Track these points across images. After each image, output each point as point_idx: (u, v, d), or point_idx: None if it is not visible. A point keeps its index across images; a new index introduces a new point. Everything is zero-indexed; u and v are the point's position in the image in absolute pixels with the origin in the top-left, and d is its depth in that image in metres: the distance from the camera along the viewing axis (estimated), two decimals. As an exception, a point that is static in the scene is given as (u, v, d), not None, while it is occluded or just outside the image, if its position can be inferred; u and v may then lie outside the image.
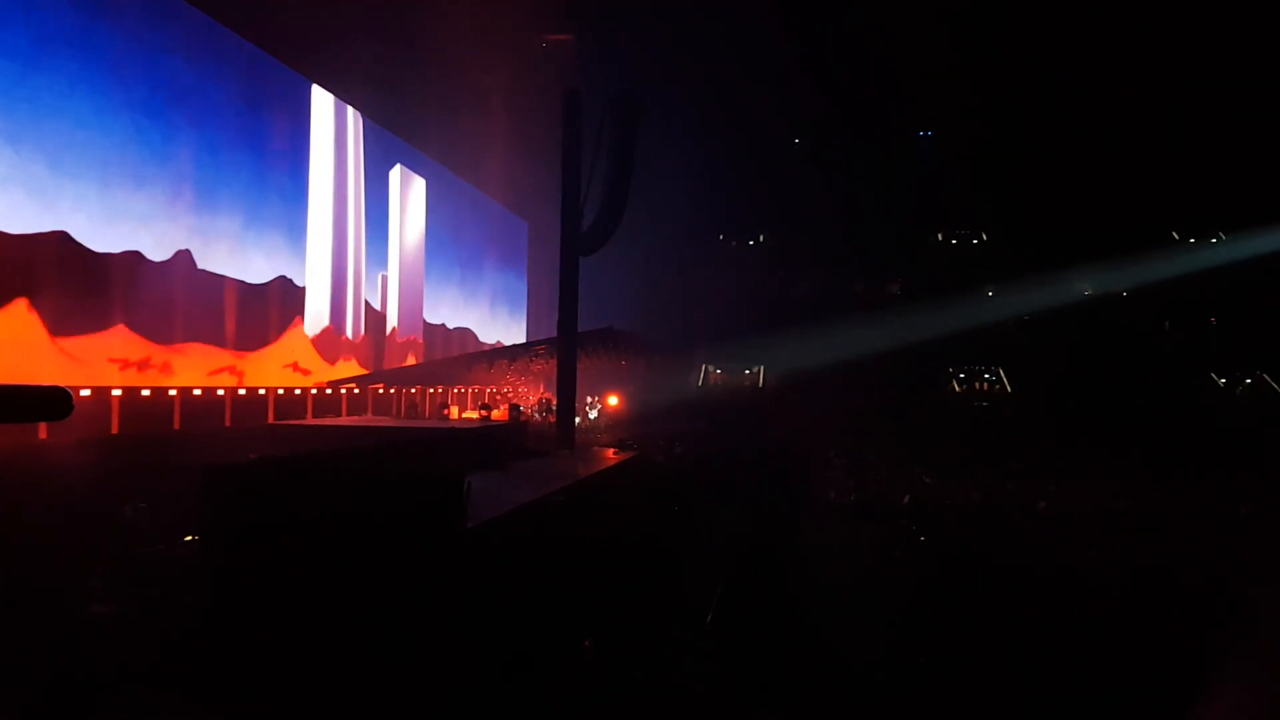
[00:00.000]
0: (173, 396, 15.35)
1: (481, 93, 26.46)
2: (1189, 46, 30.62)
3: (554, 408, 21.87)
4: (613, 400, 30.67)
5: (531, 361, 24.44)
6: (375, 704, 6.12)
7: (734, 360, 38.61)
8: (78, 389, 12.87)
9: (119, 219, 14.23)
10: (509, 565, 7.92)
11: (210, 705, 5.89)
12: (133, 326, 14.51)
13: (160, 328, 15.16)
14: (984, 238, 41.10)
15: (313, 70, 20.18)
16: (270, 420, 17.89)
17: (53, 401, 2.55)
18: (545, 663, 6.55)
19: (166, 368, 15.25)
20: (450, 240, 28.77)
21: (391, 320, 24.56)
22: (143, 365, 14.70)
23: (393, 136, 24.39)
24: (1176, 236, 37.68)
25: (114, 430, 13.98)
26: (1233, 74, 31.40)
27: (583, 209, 20.45)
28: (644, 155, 21.25)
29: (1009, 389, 36.60)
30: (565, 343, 20.08)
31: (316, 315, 20.49)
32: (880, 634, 7.19)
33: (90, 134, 13.69)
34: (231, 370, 17.07)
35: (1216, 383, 34.19)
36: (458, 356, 27.49)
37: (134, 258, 14.52)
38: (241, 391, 17.25)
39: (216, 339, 16.73)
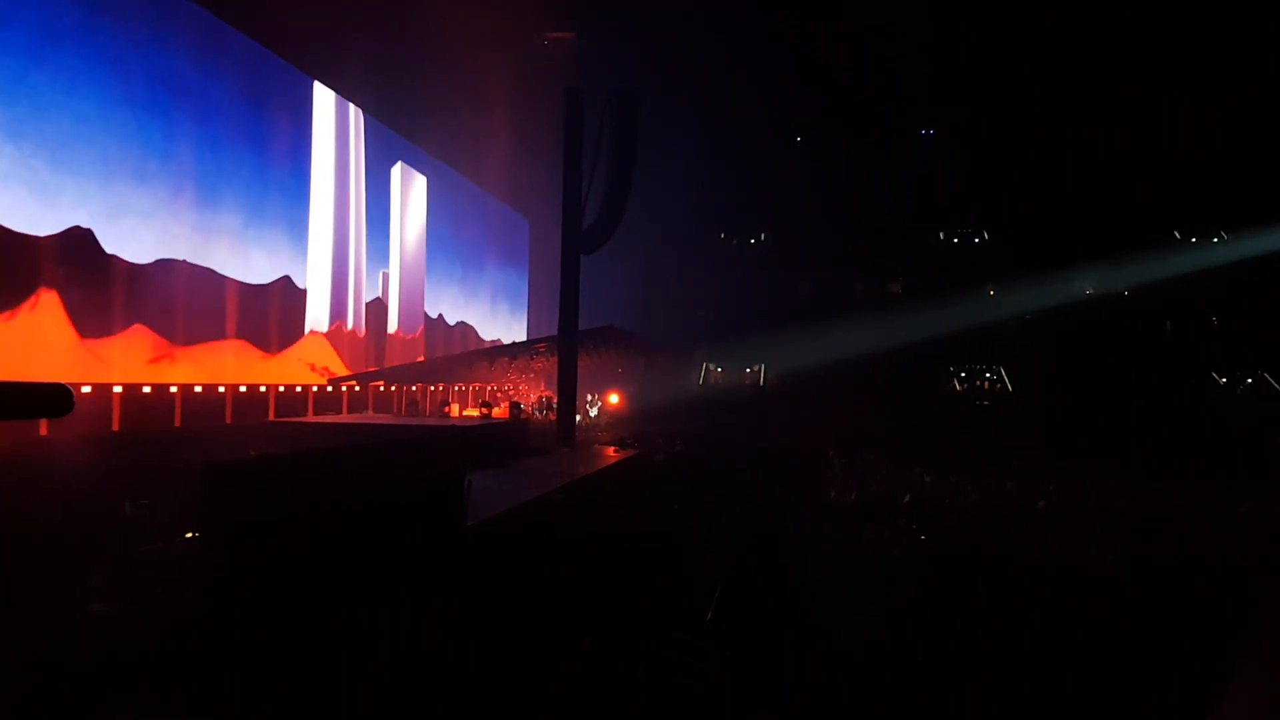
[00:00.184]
0: (174, 393, 15.35)
1: (483, 90, 26.49)
2: (1189, 46, 30.59)
3: (554, 406, 21.91)
4: (613, 398, 30.70)
5: (532, 359, 24.45)
6: (375, 701, 6.12)
7: (734, 359, 38.61)
8: (78, 386, 12.88)
9: (120, 215, 14.22)
10: (509, 563, 7.92)
11: (209, 702, 5.88)
12: (133, 323, 14.50)
13: (160, 325, 15.15)
14: (985, 237, 41.08)
15: (315, 68, 20.18)
16: (271, 417, 17.90)
17: (53, 398, 2.55)
18: (544, 661, 6.54)
19: (167, 364, 15.25)
20: (451, 237, 28.77)
21: (392, 317, 24.55)
22: (144, 362, 14.70)
23: (394, 134, 24.38)
24: (1178, 236, 37.66)
25: (115, 427, 13.99)
26: (1233, 74, 31.37)
27: (584, 207, 20.47)
28: (645, 154, 21.27)
29: (1010, 388, 36.60)
30: (566, 341, 20.12)
31: (317, 312, 20.49)
32: (879, 633, 7.19)
33: (92, 130, 13.68)
34: (229, 367, 17.07)
35: (1217, 382, 34.18)
36: (458, 354, 27.49)
37: (134, 254, 14.52)
38: (242, 389, 17.26)
39: (216, 335, 16.72)
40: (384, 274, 24.04)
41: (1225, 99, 32.35)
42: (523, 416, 22.01)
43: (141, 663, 6.23)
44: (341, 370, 21.21)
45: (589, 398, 29.56)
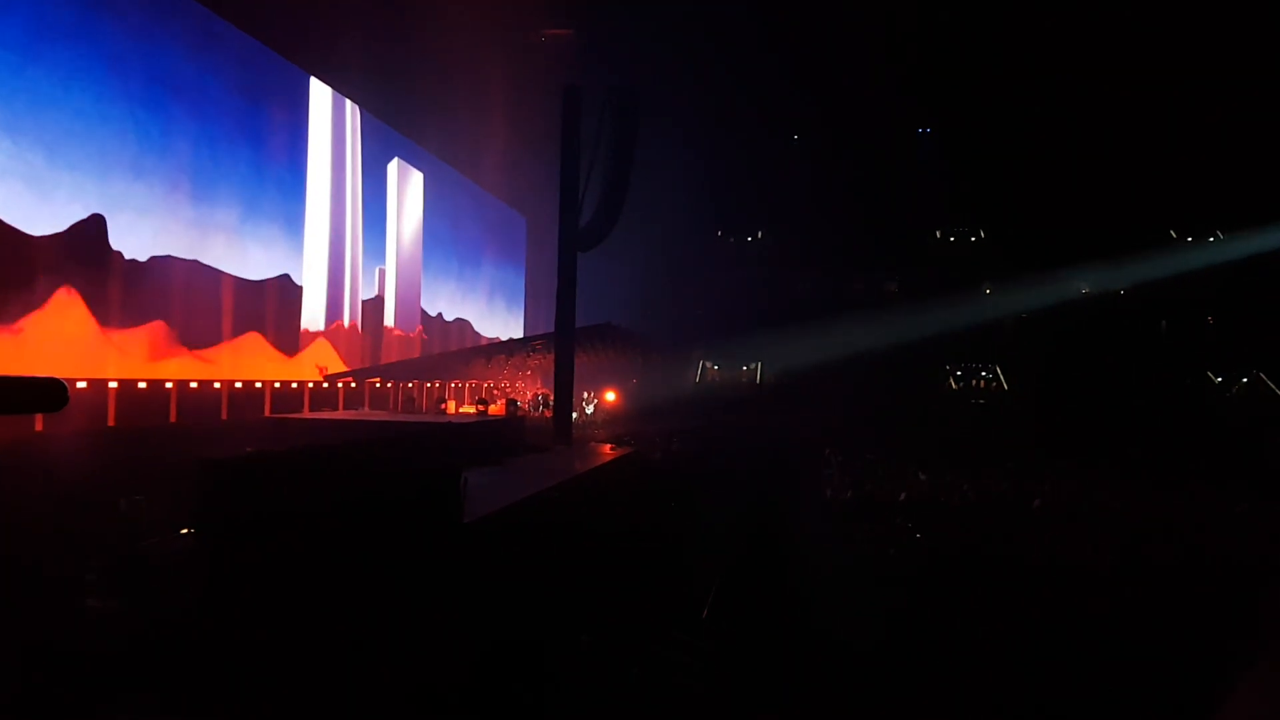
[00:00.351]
0: (169, 389, 15.31)
1: (480, 87, 26.42)
2: (1189, 46, 30.61)
3: (551, 403, 21.91)
4: (610, 396, 30.67)
5: (529, 357, 24.43)
6: (371, 698, 6.11)
7: (732, 357, 38.62)
8: (74, 380, 12.84)
9: (117, 210, 14.18)
10: (505, 561, 7.91)
11: (205, 698, 5.87)
12: (131, 320, 14.46)
13: (159, 320, 15.10)
14: (981, 236, 41.11)
15: (311, 64, 20.12)
16: (267, 414, 17.86)
17: (48, 393, 2.54)
18: (542, 658, 6.54)
19: (163, 360, 15.20)
20: (448, 234, 28.74)
21: (389, 314, 24.52)
22: (139, 357, 14.66)
23: (391, 130, 24.33)
24: (1174, 235, 37.73)
25: (110, 423, 13.95)
26: (1232, 74, 31.41)
27: (581, 205, 20.44)
28: (643, 151, 21.26)
29: (1006, 387, 36.65)
30: (563, 338, 20.10)
31: (314, 308, 20.45)
32: (876, 631, 7.19)
33: (88, 125, 13.65)
34: (226, 363, 17.02)
35: (1213, 381, 34.25)
36: (455, 351, 27.47)
37: (132, 250, 14.47)
38: (238, 385, 17.21)
39: (212, 331, 16.69)
40: (380, 271, 24.00)
41: (1222, 99, 32.39)
42: (519, 414, 22.01)
43: (136, 658, 6.21)
44: (338, 366, 21.17)
45: (585, 395, 29.54)
